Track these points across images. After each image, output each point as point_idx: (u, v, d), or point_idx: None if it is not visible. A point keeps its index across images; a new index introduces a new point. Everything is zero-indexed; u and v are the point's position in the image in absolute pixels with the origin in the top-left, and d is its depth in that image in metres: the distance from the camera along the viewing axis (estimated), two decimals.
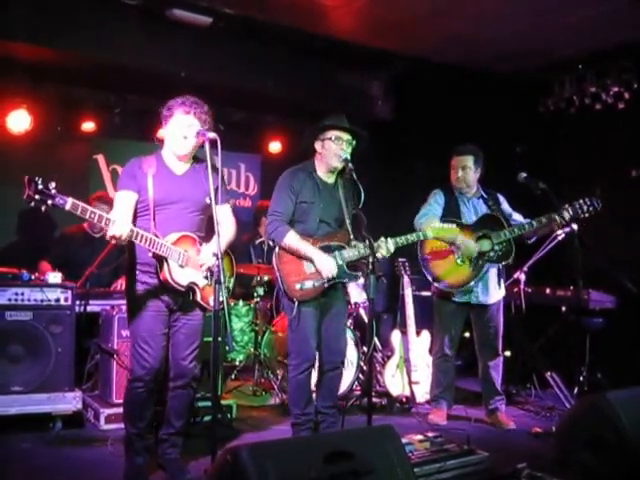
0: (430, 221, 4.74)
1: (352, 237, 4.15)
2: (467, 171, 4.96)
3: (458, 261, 4.84)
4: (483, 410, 5.08)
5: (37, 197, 3.00)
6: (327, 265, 4.00)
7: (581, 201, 4.71)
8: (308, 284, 4.02)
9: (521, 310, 5.64)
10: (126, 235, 3.25)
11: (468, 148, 5.00)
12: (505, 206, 5.06)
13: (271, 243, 4.24)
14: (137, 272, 3.55)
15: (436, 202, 4.99)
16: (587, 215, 4.71)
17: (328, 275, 4.00)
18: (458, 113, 6.64)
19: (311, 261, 4.03)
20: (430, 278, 4.92)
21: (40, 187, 2.99)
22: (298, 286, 4.02)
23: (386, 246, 4.05)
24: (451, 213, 4.93)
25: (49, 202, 3.03)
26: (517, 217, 4.99)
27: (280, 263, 4.09)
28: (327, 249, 4.09)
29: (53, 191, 3.03)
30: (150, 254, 3.41)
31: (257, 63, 6.39)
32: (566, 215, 4.67)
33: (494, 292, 4.94)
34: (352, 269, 4.15)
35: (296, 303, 4.04)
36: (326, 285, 4.05)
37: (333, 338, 4.20)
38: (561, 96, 6.39)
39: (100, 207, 4.54)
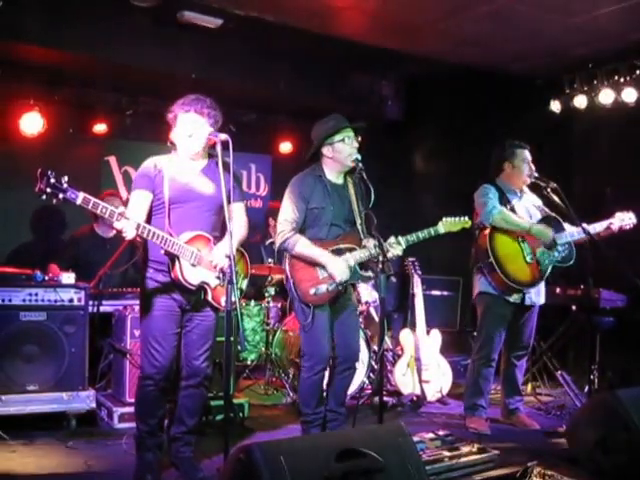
0: (504, 212, 4.64)
1: (363, 237, 4.15)
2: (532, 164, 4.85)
3: (527, 259, 4.66)
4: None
5: (48, 190, 2.94)
6: (339, 269, 4.00)
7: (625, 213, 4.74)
8: (322, 289, 4.01)
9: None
10: (130, 229, 3.17)
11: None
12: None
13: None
14: (150, 270, 3.58)
15: (494, 196, 4.73)
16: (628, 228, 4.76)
17: (341, 279, 4.00)
18: (468, 113, 6.65)
19: (323, 266, 4.03)
20: (501, 274, 4.57)
21: (52, 181, 2.95)
22: (312, 291, 4.01)
23: (397, 245, 4.05)
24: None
25: (60, 196, 2.97)
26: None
27: (293, 270, 4.08)
28: (338, 252, 4.09)
29: (65, 185, 2.98)
30: (162, 251, 3.41)
31: (268, 64, 6.43)
32: (616, 223, 4.69)
33: (543, 294, 4.88)
34: (364, 269, 4.16)
35: (311, 308, 4.05)
36: (340, 288, 4.06)
37: (347, 339, 4.20)
38: (572, 95, 6.38)
39: (111, 201, 4.53)
